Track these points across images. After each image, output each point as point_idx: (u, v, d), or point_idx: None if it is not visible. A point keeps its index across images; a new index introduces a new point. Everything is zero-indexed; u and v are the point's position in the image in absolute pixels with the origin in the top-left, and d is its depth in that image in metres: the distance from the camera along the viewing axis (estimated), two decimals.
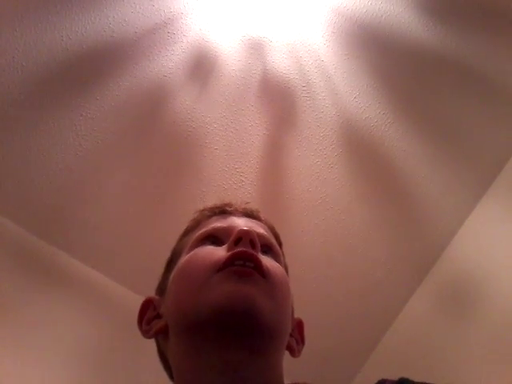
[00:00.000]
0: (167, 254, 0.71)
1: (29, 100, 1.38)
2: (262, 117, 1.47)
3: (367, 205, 1.58)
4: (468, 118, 1.47)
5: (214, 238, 0.63)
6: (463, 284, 1.54)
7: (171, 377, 0.61)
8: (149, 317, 0.64)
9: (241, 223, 0.65)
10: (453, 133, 1.50)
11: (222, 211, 0.69)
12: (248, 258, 0.55)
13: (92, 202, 1.53)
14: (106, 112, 1.42)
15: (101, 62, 1.36)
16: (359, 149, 1.51)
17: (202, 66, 1.40)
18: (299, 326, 0.67)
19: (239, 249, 0.56)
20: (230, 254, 0.56)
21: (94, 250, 1.59)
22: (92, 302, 1.55)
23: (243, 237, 0.57)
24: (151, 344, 0.70)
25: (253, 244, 0.57)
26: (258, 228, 0.65)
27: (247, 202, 0.73)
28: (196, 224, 0.69)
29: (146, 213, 1.54)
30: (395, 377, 0.54)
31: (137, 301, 0.67)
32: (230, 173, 1.53)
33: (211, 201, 0.74)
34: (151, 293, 0.69)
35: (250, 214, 0.69)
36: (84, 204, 1.53)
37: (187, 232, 0.70)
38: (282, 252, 0.70)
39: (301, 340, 0.66)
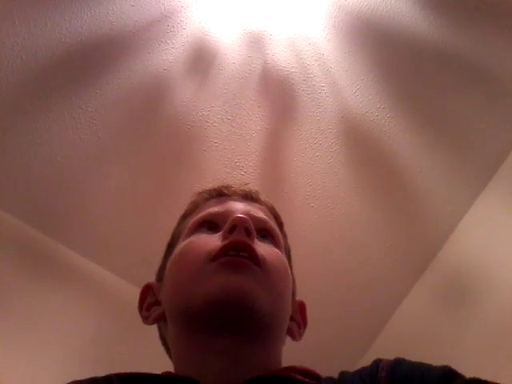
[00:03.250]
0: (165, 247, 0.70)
1: (27, 94, 1.38)
2: (262, 110, 1.47)
3: (367, 199, 1.58)
4: (468, 112, 1.47)
5: (211, 224, 0.62)
6: (462, 278, 1.54)
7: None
8: (148, 303, 0.63)
9: (238, 207, 0.63)
10: (453, 127, 1.49)
11: (220, 194, 0.68)
12: (242, 247, 0.54)
13: (91, 194, 1.53)
14: (106, 105, 1.42)
15: (100, 56, 1.36)
16: (359, 143, 1.51)
17: (201, 60, 1.39)
18: (301, 308, 0.66)
19: (232, 238, 0.55)
20: (223, 244, 0.55)
21: (94, 243, 1.60)
22: (91, 295, 1.56)
23: (238, 225, 0.56)
24: (150, 336, 0.70)
25: (248, 232, 0.56)
26: (257, 211, 0.64)
27: (246, 184, 0.72)
28: (194, 207, 0.68)
29: (145, 206, 1.55)
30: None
31: (135, 293, 0.67)
32: (229, 166, 1.53)
33: None
34: None
35: (248, 197, 0.68)
36: (83, 197, 1.53)
37: (185, 216, 0.69)
38: (284, 233, 0.69)
39: (303, 322, 0.65)
